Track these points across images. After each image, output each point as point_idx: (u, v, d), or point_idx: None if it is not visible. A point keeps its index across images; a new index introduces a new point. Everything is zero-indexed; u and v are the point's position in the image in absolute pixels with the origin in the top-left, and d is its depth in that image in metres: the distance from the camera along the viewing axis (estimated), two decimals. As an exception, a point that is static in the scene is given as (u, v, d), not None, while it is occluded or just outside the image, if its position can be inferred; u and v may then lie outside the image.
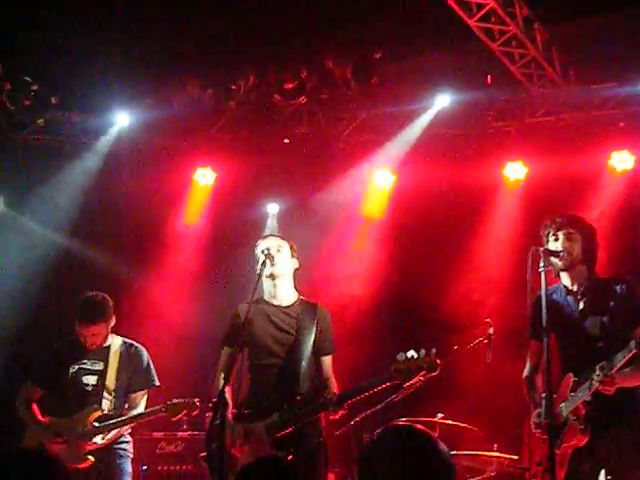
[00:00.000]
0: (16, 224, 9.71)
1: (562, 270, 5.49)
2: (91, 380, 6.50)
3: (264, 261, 5.67)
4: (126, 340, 6.68)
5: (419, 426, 2.98)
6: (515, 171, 9.28)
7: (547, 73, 8.73)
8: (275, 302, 5.85)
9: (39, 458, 2.96)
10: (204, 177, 10.09)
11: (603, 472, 5.22)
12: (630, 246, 8.35)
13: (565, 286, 5.53)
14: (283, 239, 5.94)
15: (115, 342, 6.62)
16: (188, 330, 9.37)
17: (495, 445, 7.12)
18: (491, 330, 7.12)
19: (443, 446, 2.85)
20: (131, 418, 6.47)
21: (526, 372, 5.64)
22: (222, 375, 5.63)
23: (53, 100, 9.61)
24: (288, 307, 5.85)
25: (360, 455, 2.94)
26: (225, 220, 9.85)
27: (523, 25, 8.16)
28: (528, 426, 5.51)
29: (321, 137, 9.87)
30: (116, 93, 9.62)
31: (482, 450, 7.13)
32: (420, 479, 2.77)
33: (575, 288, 5.50)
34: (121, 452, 6.48)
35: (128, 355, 6.60)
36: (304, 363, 5.70)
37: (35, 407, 6.61)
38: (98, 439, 6.33)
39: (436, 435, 3.09)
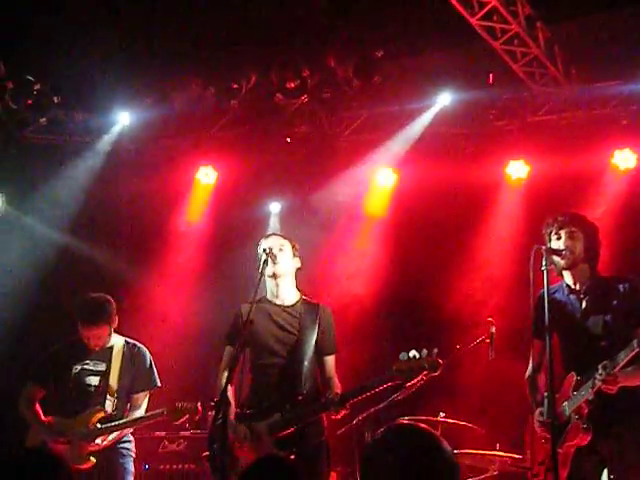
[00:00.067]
0: (18, 223, 9.72)
1: (564, 269, 5.49)
2: (94, 381, 6.49)
3: (266, 260, 5.66)
4: (128, 340, 6.68)
5: (422, 425, 2.98)
6: (517, 170, 9.26)
7: (549, 71, 8.72)
8: (277, 301, 5.85)
9: (43, 457, 2.96)
10: (206, 176, 10.10)
11: (606, 471, 5.23)
12: (633, 244, 8.34)
13: (567, 285, 5.52)
14: (285, 238, 5.94)
15: (117, 342, 6.61)
16: (190, 329, 9.37)
17: (497, 444, 7.13)
18: (493, 329, 7.12)
19: (447, 445, 2.85)
20: (133, 420, 6.46)
21: (529, 371, 5.64)
22: (224, 374, 5.64)
23: (55, 99, 9.61)
24: (290, 306, 5.84)
25: (363, 454, 2.94)
26: (227, 219, 9.85)
27: (525, 23, 8.15)
28: (530, 425, 5.50)
29: (323, 136, 9.86)
30: (118, 92, 9.62)
31: (484, 449, 7.14)
32: (424, 478, 2.77)
33: (577, 287, 5.49)
34: (124, 451, 6.48)
35: (131, 356, 6.59)
36: (306, 363, 5.69)
37: (38, 407, 6.60)
38: (100, 440, 6.33)
39: (438, 434, 3.08)
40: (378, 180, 9.81)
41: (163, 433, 8.20)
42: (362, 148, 9.68)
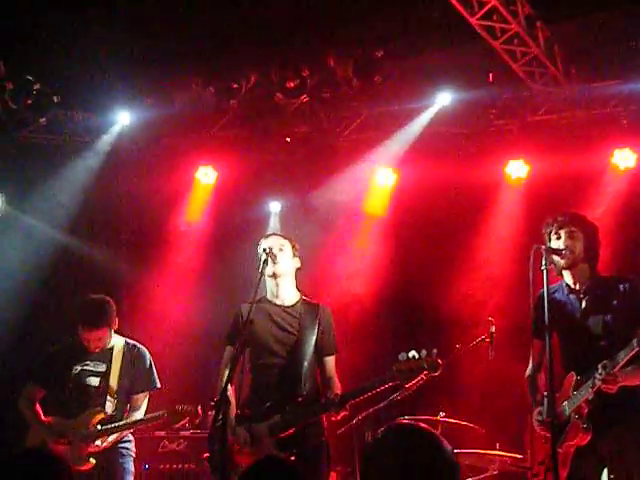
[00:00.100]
0: (18, 223, 9.71)
1: (564, 268, 5.49)
2: (94, 382, 6.48)
3: (266, 260, 5.66)
4: (129, 341, 6.67)
5: (423, 424, 2.98)
6: (517, 169, 9.26)
7: (549, 71, 8.72)
8: (277, 301, 5.84)
9: (44, 457, 2.96)
10: (206, 176, 10.09)
11: (605, 471, 5.23)
12: (633, 244, 8.35)
13: (567, 285, 5.53)
14: (285, 238, 5.93)
15: (118, 343, 6.60)
16: (190, 329, 9.37)
17: (497, 444, 7.13)
18: (493, 328, 7.12)
19: (447, 445, 2.85)
20: (133, 422, 6.46)
21: (529, 371, 5.64)
22: (225, 374, 5.63)
23: (55, 99, 9.60)
24: (290, 307, 5.84)
25: (363, 454, 2.93)
26: (227, 219, 9.85)
27: (525, 23, 8.15)
28: (530, 425, 5.50)
29: (323, 136, 9.86)
30: (118, 92, 9.62)
31: (484, 449, 7.13)
32: (424, 478, 2.76)
33: (577, 287, 5.49)
34: (123, 451, 6.49)
35: (131, 356, 6.58)
36: (306, 363, 5.69)
37: (38, 407, 6.60)
38: (100, 442, 6.33)
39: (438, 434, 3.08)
40: (378, 180, 9.81)
41: (163, 433, 8.20)
42: (362, 148, 9.68)
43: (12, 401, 6.78)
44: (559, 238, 5.47)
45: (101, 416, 6.37)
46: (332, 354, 5.84)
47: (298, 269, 5.93)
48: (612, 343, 5.24)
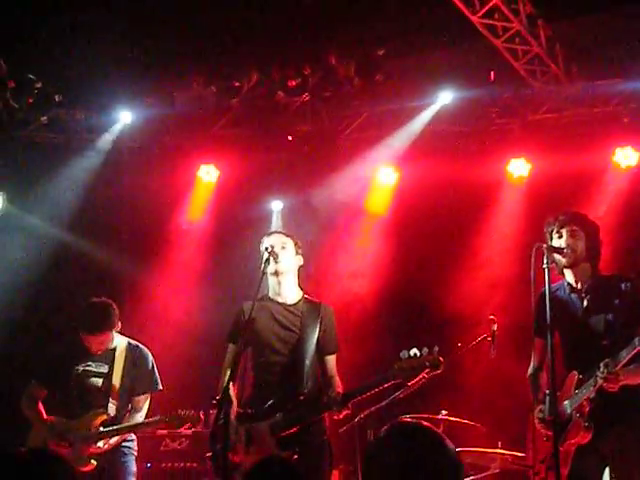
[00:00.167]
0: (19, 221, 9.71)
1: (566, 267, 5.49)
2: (96, 382, 6.47)
3: (268, 258, 5.66)
4: (131, 341, 6.65)
5: (425, 423, 2.97)
6: (518, 168, 9.26)
7: (550, 69, 8.72)
8: (280, 300, 5.84)
9: (47, 458, 2.95)
10: (207, 174, 10.09)
11: (607, 470, 5.23)
12: (634, 242, 8.34)
13: (569, 283, 5.53)
14: (288, 236, 5.92)
15: (120, 344, 6.58)
16: (191, 327, 9.37)
17: (499, 442, 7.13)
18: (495, 327, 7.11)
19: (450, 443, 2.84)
20: (135, 426, 6.45)
21: (530, 369, 5.64)
22: (227, 373, 5.63)
23: (56, 98, 9.61)
24: (292, 305, 5.83)
25: (365, 452, 2.93)
26: (228, 217, 9.85)
27: (527, 22, 8.16)
28: (532, 423, 5.50)
29: (324, 134, 9.86)
30: (119, 91, 9.63)
31: (486, 447, 7.14)
32: (427, 477, 2.76)
33: (579, 286, 5.49)
34: (125, 450, 6.48)
35: (133, 357, 6.57)
36: (307, 362, 5.68)
37: (40, 406, 6.58)
38: (102, 444, 6.32)
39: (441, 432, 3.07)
40: (379, 178, 9.81)
41: (165, 432, 8.20)
42: (363, 146, 9.68)
43: (13, 400, 6.78)
44: (561, 237, 5.47)
45: (103, 418, 6.36)
46: (333, 353, 5.83)
47: (300, 267, 5.93)
48: (614, 342, 5.24)
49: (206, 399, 5.54)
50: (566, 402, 5.27)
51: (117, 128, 9.92)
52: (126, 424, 6.42)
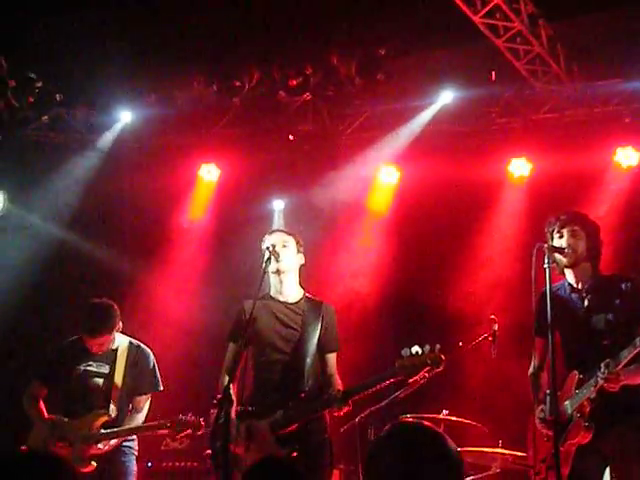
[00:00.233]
0: (20, 221, 9.71)
1: (566, 267, 5.49)
2: (97, 383, 6.46)
3: (269, 257, 5.66)
4: (133, 341, 6.64)
5: (427, 423, 2.97)
6: (519, 167, 9.26)
7: (552, 69, 8.72)
8: (281, 298, 5.84)
9: (47, 458, 2.95)
10: (208, 173, 10.10)
11: (608, 470, 5.23)
12: (635, 242, 8.34)
13: (570, 283, 5.53)
14: (289, 234, 5.92)
15: (122, 344, 6.58)
16: (192, 326, 9.37)
17: (500, 442, 7.13)
18: (496, 327, 7.12)
19: (452, 443, 2.84)
20: (135, 429, 6.45)
21: (531, 369, 5.64)
22: (227, 371, 5.64)
23: (57, 97, 9.62)
24: (294, 304, 5.84)
25: (367, 452, 2.92)
26: (229, 217, 9.85)
27: (528, 21, 8.16)
28: (532, 423, 5.50)
29: (325, 133, 9.87)
30: (120, 90, 9.63)
31: (487, 446, 7.13)
32: (429, 476, 2.76)
33: (580, 285, 5.49)
34: (126, 450, 6.47)
35: (134, 357, 6.56)
36: (309, 360, 5.69)
37: (41, 404, 6.58)
38: (102, 445, 6.31)
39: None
40: (381, 178, 9.81)
41: (166, 431, 8.19)
42: (365, 146, 9.68)
43: (13, 400, 6.78)
44: (561, 237, 5.47)
45: (104, 419, 6.36)
46: (334, 351, 5.84)
47: (302, 266, 5.93)
48: (614, 342, 5.24)
49: (206, 398, 5.55)
50: (567, 402, 5.27)
51: (118, 127, 9.93)
52: (127, 427, 6.41)
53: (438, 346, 5.15)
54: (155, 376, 6.61)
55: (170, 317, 9.41)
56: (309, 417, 5.52)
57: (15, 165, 9.71)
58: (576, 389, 5.26)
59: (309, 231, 7.85)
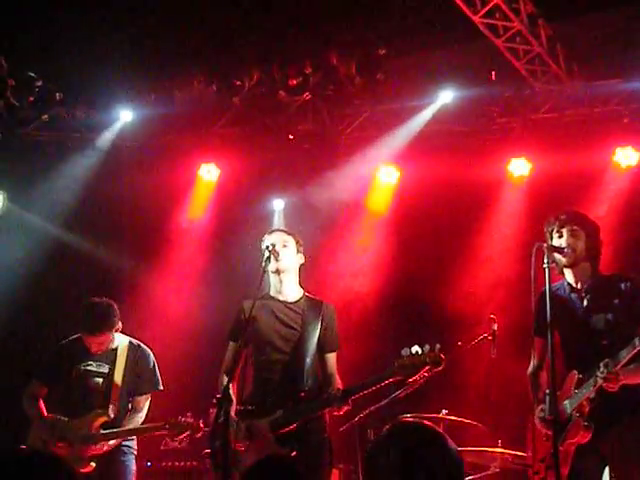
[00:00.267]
0: (20, 220, 9.71)
1: (566, 267, 5.49)
2: (97, 382, 6.46)
3: (269, 257, 5.66)
4: (133, 341, 6.64)
5: (427, 422, 2.97)
6: (519, 167, 9.26)
7: (551, 69, 8.72)
8: (281, 298, 5.84)
9: (48, 459, 2.94)
10: (208, 173, 10.09)
11: (607, 470, 5.23)
12: (635, 242, 8.35)
13: (569, 283, 5.53)
14: (289, 234, 5.92)
15: (122, 343, 6.57)
16: (192, 326, 9.37)
17: (499, 441, 7.13)
18: (495, 326, 7.13)
19: (452, 442, 2.83)
20: (135, 430, 6.45)
21: (530, 369, 5.64)
22: (227, 371, 5.64)
23: (57, 96, 9.61)
24: (293, 303, 5.84)
25: (367, 451, 2.92)
26: (229, 216, 9.85)
27: (527, 21, 8.17)
28: (531, 423, 5.51)
29: (325, 133, 9.87)
30: (120, 89, 9.62)
31: (486, 446, 7.13)
32: (429, 476, 2.75)
33: (579, 285, 5.49)
34: (125, 449, 6.48)
35: (134, 357, 6.56)
36: (308, 359, 5.69)
37: (41, 403, 6.58)
38: (101, 445, 6.31)
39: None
40: (380, 177, 9.81)
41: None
42: (364, 145, 9.68)
43: (12, 399, 6.78)
44: (561, 236, 5.47)
45: (104, 419, 6.36)
46: (334, 351, 5.84)
47: (302, 265, 5.93)
48: (614, 342, 5.24)
49: (206, 397, 5.55)
50: (566, 402, 5.28)
51: (117, 127, 9.92)
52: (126, 428, 6.41)
53: (438, 346, 5.15)
54: (155, 376, 6.61)
55: (169, 316, 9.41)
56: (309, 417, 5.52)
57: (15, 164, 9.70)
58: (575, 389, 5.27)
59: (309, 230, 7.86)
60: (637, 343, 4.99)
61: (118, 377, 6.46)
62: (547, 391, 5.29)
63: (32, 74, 9.28)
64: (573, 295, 5.50)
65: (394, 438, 2.86)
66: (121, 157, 10.05)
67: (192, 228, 10.08)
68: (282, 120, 9.79)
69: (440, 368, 5.16)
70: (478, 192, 9.15)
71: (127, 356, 6.53)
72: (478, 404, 8.12)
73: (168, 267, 9.85)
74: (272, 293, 5.86)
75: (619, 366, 5.07)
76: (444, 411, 7.25)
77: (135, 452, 6.56)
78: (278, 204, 10.00)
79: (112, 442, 6.35)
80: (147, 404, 6.58)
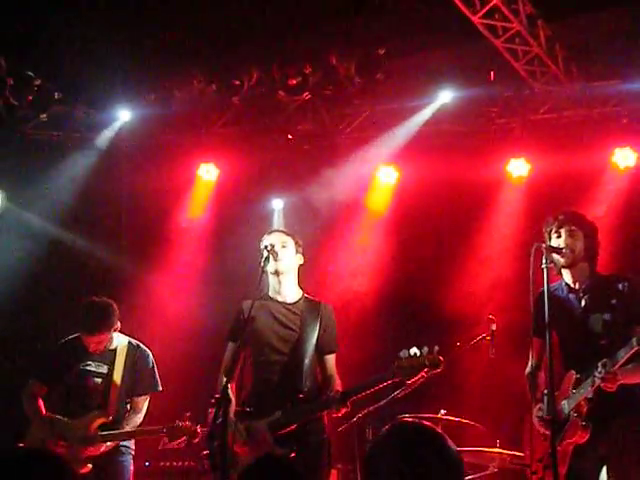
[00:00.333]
0: (18, 219, 9.71)
1: (564, 267, 5.50)
2: (95, 383, 6.45)
3: (267, 257, 5.66)
4: (132, 341, 6.63)
5: (426, 422, 2.97)
6: (518, 168, 9.26)
7: (550, 70, 8.73)
8: (279, 298, 5.84)
9: (49, 459, 2.95)
10: (207, 173, 10.09)
11: (604, 469, 5.24)
12: (633, 243, 8.36)
13: (567, 283, 5.54)
14: (288, 235, 5.92)
15: (121, 343, 6.56)
16: (191, 326, 9.36)
17: (498, 441, 7.14)
18: (494, 326, 7.13)
19: (451, 443, 2.83)
20: (132, 433, 6.44)
21: (529, 369, 5.64)
22: (226, 372, 5.63)
23: (56, 95, 9.61)
24: (292, 304, 5.84)
25: (366, 452, 2.92)
26: (228, 216, 9.85)
27: (526, 22, 8.17)
28: (529, 423, 5.51)
29: (324, 133, 9.87)
30: (119, 89, 9.62)
31: (485, 446, 7.14)
32: (428, 476, 2.76)
33: (577, 286, 5.51)
34: (123, 449, 6.47)
35: (133, 357, 6.55)
36: (307, 360, 5.69)
37: (40, 402, 6.56)
38: (98, 446, 6.31)
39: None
40: (380, 177, 9.81)
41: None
42: (364, 145, 9.68)
43: (12, 399, 6.78)
44: (559, 237, 5.48)
45: (102, 420, 6.35)
46: (333, 352, 5.84)
47: (301, 266, 5.93)
48: (612, 342, 5.25)
49: (205, 398, 5.55)
50: (564, 402, 5.29)
51: (116, 126, 9.92)
52: (124, 430, 6.40)
53: (437, 347, 5.14)
54: (154, 376, 6.60)
55: (169, 317, 9.41)
56: (308, 418, 5.52)
57: (14, 163, 9.69)
58: (573, 389, 5.28)
59: (308, 230, 7.87)
60: (635, 343, 5.00)
61: (117, 377, 6.45)
62: (545, 391, 5.30)
63: (31, 73, 9.28)
64: (571, 295, 5.51)
65: (393, 438, 2.86)
66: (120, 157, 10.05)
67: (191, 228, 10.08)
68: (281, 120, 9.80)
69: (438, 370, 5.16)
70: (477, 192, 9.15)
71: (126, 356, 6.52)
72: (477, 404, 8.13)
73: (167, 267, 9.85)
74: (271, 294, 5.85)
75: (617, 366, 5.08)
76: (443, 411, 7.26)
77: (133, 452, 6.55)
78: (277, 204, 10.00)
79: (109, 444, 6.35)
80: (146, 405, 6.58)
